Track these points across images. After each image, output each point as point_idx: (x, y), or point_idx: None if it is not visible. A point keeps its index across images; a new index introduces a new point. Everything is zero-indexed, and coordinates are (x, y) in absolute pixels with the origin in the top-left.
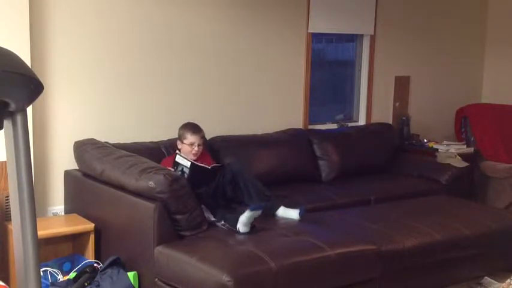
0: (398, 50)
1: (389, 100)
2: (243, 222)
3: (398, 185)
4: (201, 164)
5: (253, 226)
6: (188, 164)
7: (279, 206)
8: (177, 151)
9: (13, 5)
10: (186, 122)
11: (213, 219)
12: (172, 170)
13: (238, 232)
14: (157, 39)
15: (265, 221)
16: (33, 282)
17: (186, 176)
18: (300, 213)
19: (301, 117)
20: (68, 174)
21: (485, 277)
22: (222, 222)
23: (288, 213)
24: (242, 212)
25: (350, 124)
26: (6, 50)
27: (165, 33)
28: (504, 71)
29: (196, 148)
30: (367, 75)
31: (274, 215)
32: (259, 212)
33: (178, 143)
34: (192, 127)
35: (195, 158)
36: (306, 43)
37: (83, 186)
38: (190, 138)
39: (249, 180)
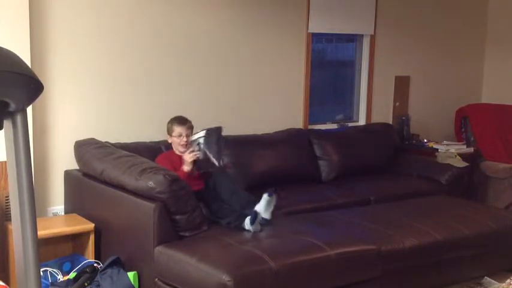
0: (398, 50)
1: (389, 100)
2: (263, 208)
3: (398, 185)
4: (211, 127)
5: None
6: (203, 132)
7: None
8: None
9: (13, 6)
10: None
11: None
12: (196, 150)
13: (247, 229)
14: (157, 39)
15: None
16: (33, 282)
17: (203, 146)
18: (268, 194)
19: (301, 117)
20: (68, 174)
21: (485, 277)
22: (226, 222)
23: (261, 204)
24: (247, 212)
25: (350, 124)
26: (6, 50)
27: (165, 33)
28: (504, 71)
29: (184, 139)
30: (367, 75)
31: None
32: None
33: (168, 137)
34: (178, 118)
35: (184, 149)
36: (306, 43)
37: (83, 186)
38: (176, 129)
39: (230, 192)
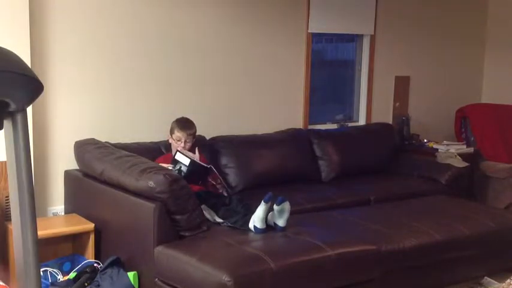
0: (398, 50)
1: (389, 100)
2: (259, 217)
3: (398, 185)
4: (200, 162)
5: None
6: (187, 161)
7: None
8: (178, 148)
9: (13, 6)
10: (181, 116)
11: (218, 220)
12: (171, 167)
13: (252, 230)
14: (157, 39)
15: None
16: (33, 282)
17: (182, 174)
18: (264, 200)
19: (301, 117)
20: (68, 174)
21: (485, 277)
22: (229, 224)
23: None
24: (251, 212)
25: (350, 124)
26: (6, 50)
27: (165, 33)
28: (504, 71)
29: (182, 144)
30: (367, 75)
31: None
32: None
33: (169, 136)
34: (181, 123)
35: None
36: (306, 43)
37: (83, 186)
38: (177, 133)
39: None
